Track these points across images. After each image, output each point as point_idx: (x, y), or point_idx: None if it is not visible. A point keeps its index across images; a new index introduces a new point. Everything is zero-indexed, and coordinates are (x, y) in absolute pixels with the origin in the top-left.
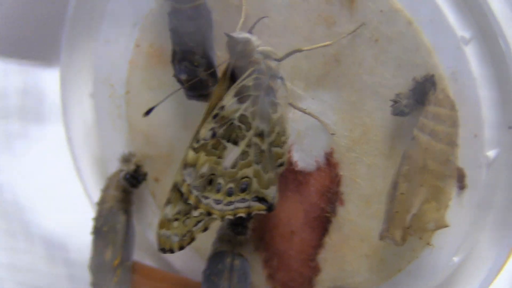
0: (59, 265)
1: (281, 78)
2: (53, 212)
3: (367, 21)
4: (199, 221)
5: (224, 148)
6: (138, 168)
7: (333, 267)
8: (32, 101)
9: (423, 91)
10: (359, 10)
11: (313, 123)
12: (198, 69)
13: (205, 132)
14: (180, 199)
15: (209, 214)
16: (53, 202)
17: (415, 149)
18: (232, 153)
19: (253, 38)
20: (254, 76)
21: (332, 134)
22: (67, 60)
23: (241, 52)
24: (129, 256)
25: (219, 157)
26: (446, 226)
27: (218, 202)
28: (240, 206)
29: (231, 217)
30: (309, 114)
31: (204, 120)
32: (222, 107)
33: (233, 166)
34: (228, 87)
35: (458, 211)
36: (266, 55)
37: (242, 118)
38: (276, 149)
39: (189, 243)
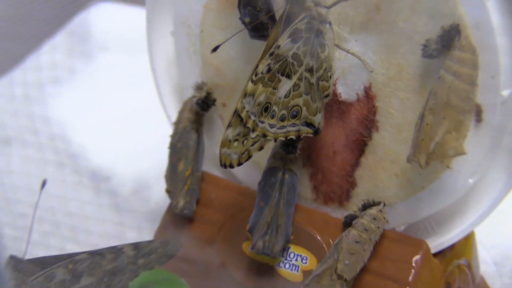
0: (104, 195)
1: (329, 23)
2: (99, 146)
3: None
4: (255, 142)
5: (279, 80)
6: (208, 95)
7: (367, 183)
8: (123, 36)
9: (449, 38)
10: None
11: (356, 62)
12: (259, 13)
13: (262, 67)
14: (240, 123)
15: (264, 136)
16: (100, 137)
17: (441, 87)
18: (285, 85)
19: None
20: (305, 20)
21: (371, 71)
22: (152, 2)
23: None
24: (198, 168)
25: (274, 88)
26: (464, 153)
27: (272, 126)
28: (291, 129)
29: (283, 138)
30: (352, 54)
31: (262, 57)
32: (278, 46)
33: (286, 96)
34: (284, 30)
35: (475, 140)
36: (317, 3)
37: (295, 56)
38: (323, 83)
39: (246, 160)
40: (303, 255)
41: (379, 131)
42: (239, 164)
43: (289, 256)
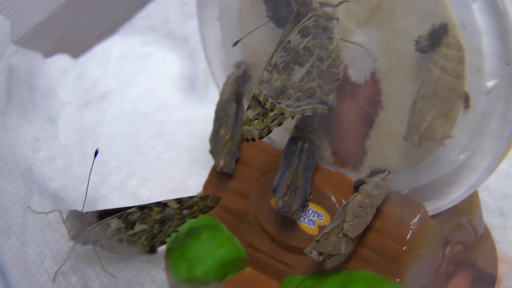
0: None
1: (337, 19)
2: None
3: None
4: (274, 119)
5: (292, 69)
6: (244, 73)
7: (375, 151)
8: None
9: (437, 36)
10: None
11: (363, 51)
12: (280, 8)
13: (276, 59)
14: (259, 105)
15: (282, 114)
16: None
17: (430, 79)
18: (299, 72)
19: None
20: (313, 19)
21: (375, 59)
22: None
23: (302, 1)
24: (238, 133)
25: (289, 75)
26: (449, 137)
27: (288, 106)
28: (307, 107)
29: (300, 115)
30: (358, 44)
31: (275, 51)
32: (289, 41)
33: (301, 81)
34: (293, 28)
35: (464, 122)
36: (323, 3)
37: (306, 48)
38: (332, 69)
39: (267, 134)
40: (319, 212)
41: (384, 109)
42: (261, 137)
43: (308, 212)
